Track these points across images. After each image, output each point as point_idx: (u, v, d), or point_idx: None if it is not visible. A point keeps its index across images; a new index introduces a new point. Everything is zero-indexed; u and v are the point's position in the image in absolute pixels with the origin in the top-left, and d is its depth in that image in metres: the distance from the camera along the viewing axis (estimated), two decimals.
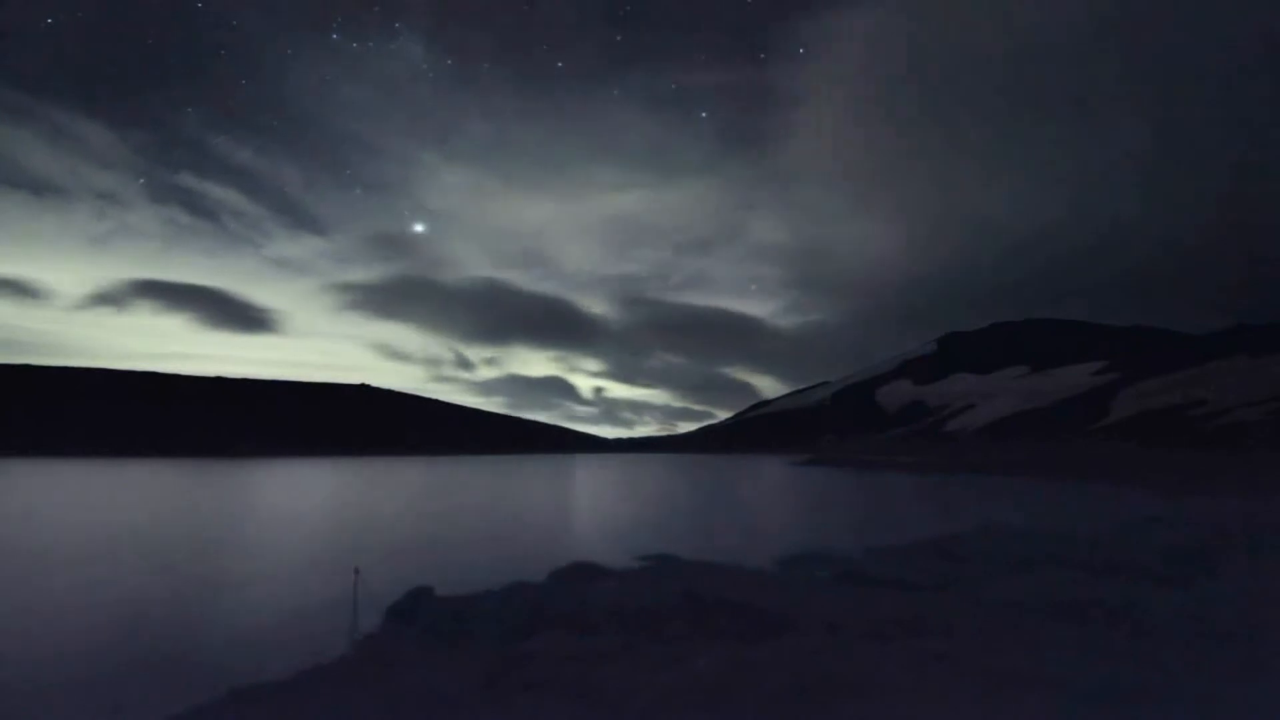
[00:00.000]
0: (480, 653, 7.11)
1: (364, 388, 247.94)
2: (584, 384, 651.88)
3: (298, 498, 36.78)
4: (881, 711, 5.40)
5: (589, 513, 29.69)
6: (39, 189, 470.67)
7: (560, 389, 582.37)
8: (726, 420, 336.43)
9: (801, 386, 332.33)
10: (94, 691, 7.14)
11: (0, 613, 10.71)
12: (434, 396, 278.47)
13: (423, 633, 8.04)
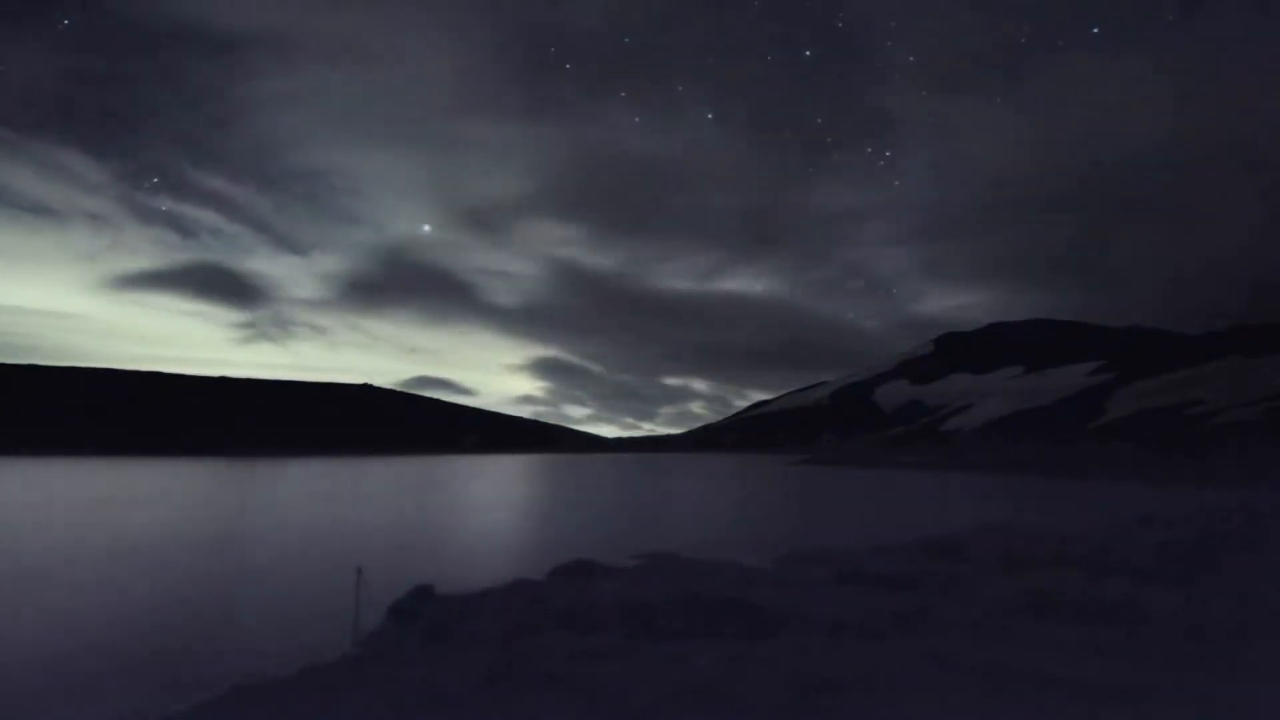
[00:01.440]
0: (482, 651, 7.13)
1: (366, 387, 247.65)
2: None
3: (298, 497, 36.76)
4: (881, 711, 5.42)
5: (588, 511, 29.70)
6: (37, 211, 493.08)
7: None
8: (725, 420, 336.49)
9: (800, 386, 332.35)
10: (97, 686, 7.15)
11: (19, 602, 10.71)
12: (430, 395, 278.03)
13: (424, 631, 8.07)
